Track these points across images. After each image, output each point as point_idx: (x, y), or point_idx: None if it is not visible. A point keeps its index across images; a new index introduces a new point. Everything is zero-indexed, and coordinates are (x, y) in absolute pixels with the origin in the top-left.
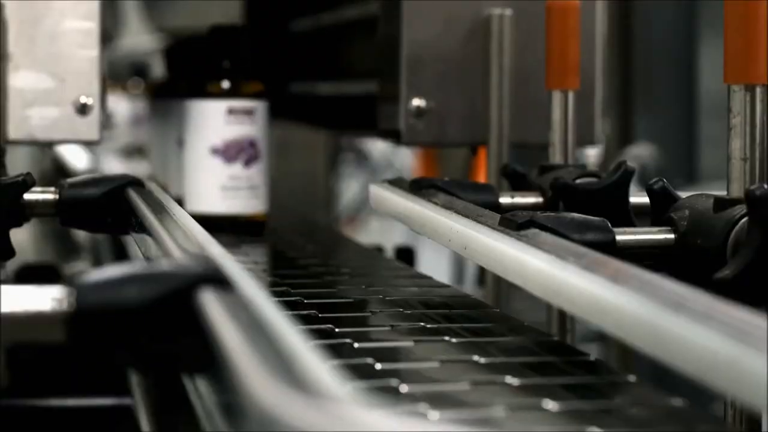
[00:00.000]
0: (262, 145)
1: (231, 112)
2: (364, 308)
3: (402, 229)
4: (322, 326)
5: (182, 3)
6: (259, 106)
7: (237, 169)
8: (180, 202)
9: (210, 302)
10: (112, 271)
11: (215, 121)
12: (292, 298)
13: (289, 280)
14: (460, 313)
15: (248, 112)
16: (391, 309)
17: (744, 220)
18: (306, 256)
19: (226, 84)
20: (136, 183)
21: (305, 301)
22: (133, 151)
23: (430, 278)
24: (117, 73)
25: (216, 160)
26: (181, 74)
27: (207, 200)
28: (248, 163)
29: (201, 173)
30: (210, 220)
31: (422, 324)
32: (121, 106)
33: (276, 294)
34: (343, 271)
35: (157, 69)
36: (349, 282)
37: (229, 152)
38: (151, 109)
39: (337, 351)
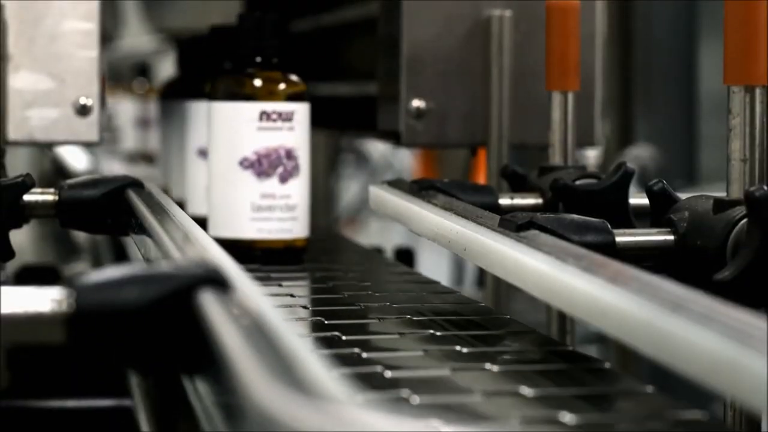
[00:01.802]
0: (302, 157)
1: (265, 116)
2: (368, 314)
3: (401, 230)
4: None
5: (183, 3)
6: (299, 108)
7: (272, 185)
8: (203, 223)
9: (209, 303)
10: (112, 272)
11: (245, 127)
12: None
13: (287, 283)
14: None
15: (286, 117)
16: (395, 315)
17: (744, 221)
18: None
19: (258, 82)
20: (135, 184)
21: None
22: (137, 157)
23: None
24: (120, 74)
25: (246, 174)
26: (200, 72)
27: (235, 222)
28: (285, 178)
29: (228, 190)
30: (238, 246)
31: (431, 331)
32: (125, 108)
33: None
34: (349, 276)
35: (163, 68)
36: (355, 287)
37: (263, 165)
38: (161, 112)
39: (341, 359)
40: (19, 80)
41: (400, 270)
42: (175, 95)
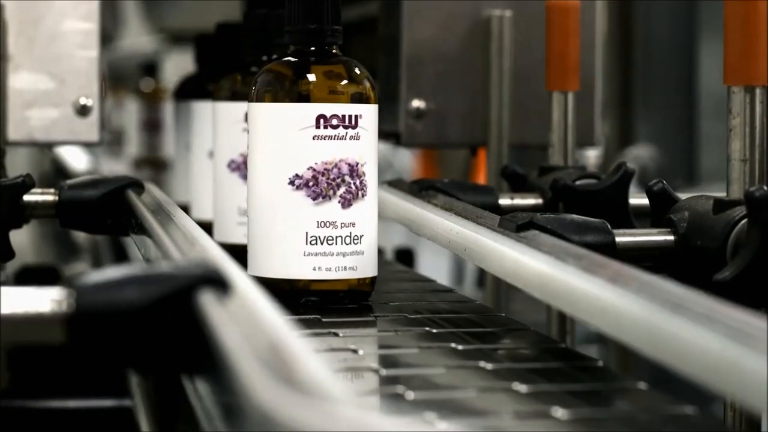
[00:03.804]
0: (370, 173)
1: (323, 121)
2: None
3: (402, 230)
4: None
5: (184, 3)
6: (366, 111)
7: (331, 210)
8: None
9: (209, 304)
10: (112, 272)
11: (298, 136)
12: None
13: None
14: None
15: (350, 122)
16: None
17: (744, 221)
18: None
19: (313, 77)
20: (135, 184)
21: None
22: (143, 162)
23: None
24: (125, 74)
25: (298, 196)
26: (223, 67)
27: (283, 258)
28: (349, 201)
29: (274, 217)
30: (287, 288)
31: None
32: (130, 109)
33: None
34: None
35: (172, 66)
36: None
37: (320, 185)
38: (176, 113)
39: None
40: (19, 80)
41: (397, 269)
42: (193, 95)
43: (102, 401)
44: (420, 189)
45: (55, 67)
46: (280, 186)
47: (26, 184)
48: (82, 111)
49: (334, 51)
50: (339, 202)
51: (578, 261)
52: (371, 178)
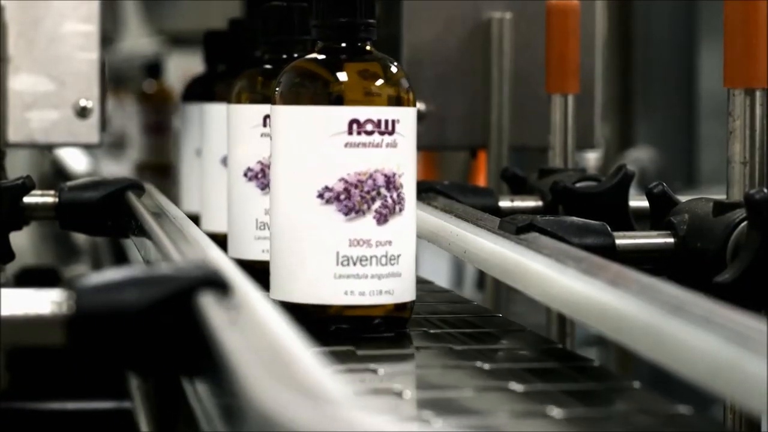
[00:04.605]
0: (408, 185)
1: (357, 127)
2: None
3: None
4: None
5: (183, 4)
6: (404, 115)
7: (366, 227)
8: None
9: (209, 305)
10: (112, 274)
11: (328, 143)
12: None
13: None
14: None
15: (386, 128)
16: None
17: (744, 223)
18: None
19: (344, 77)
20: (135, 186)
21: None
22: (146, 167)
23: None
24: (127, 76)
25: (329, 211)
26: (243, 63)
27: (311, 279)
28: (385, 216)
29: (301, 235)
30: (316, 314)
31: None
32: (133, 112)
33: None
34: None
35: (177, 66)
36: None
37: (352, 198)
38: (184, 117)
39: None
40: (19, 82)
41: None
42: (203, 96)
43: (102, 403)
44: (420, 191)
45: (55, 69)
46: (307, 199)
47: (26, 186)
48: (82, 113)
49: (367, 48)
50: (374, 217)
51: (578, 263)
52: (409, 190)
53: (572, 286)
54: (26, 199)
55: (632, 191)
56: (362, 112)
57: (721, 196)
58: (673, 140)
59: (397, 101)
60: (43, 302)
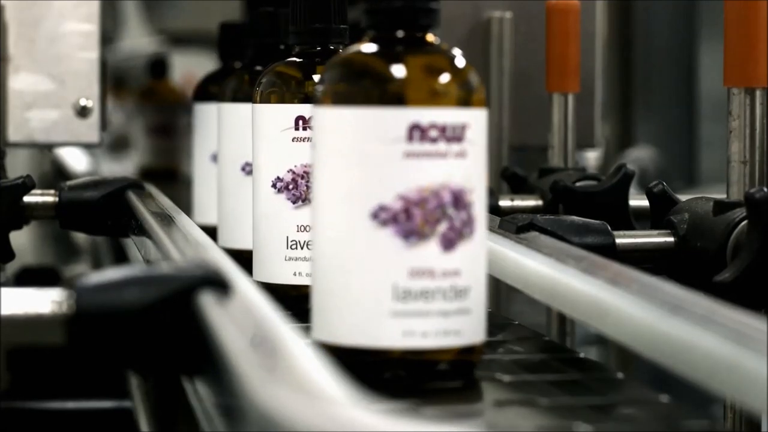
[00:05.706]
0: (478, 203)
1: (418, 133)
2: None
3: None
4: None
5: (184, 3)
6: (474, 119)
7: (428, 253)
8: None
9: (209, 305)
10: (112, 273)
11: (383, 154)
12: None
13: None
14: None
15: (453, 135)
16: None
17: (744, 223)
18: None
19: (403, 73)
20: (135, 186)
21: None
22: (152, 172)
23: None
24: (130, 75)
25: (384, 235)
26: (267, 57)
27: (363, 318)
28: (452, 241)
29: (349, 262)
30: (370, 358)
31: None
32: (136, 113)
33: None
34: None
35: (183, 64)
36: None
37: (413, 219)
38: (196, 118)
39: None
40: (19, 81)
41: None
42: (219, 96)
43: (102, 402)
44: None
45: (55, 69)
46: (358, 220)
47: (26, 186)
48: (82, 112)
49: (428, 38)
50: (439, 242)
51: (578, 262)
52: (480, 210)
53: (572, 285)
54: (26, 199)
55: (632, 190)
56: (425, 115)
57: (721, 196)
58: (673, 140)
59: (466, 102)
60: (43, 302)
